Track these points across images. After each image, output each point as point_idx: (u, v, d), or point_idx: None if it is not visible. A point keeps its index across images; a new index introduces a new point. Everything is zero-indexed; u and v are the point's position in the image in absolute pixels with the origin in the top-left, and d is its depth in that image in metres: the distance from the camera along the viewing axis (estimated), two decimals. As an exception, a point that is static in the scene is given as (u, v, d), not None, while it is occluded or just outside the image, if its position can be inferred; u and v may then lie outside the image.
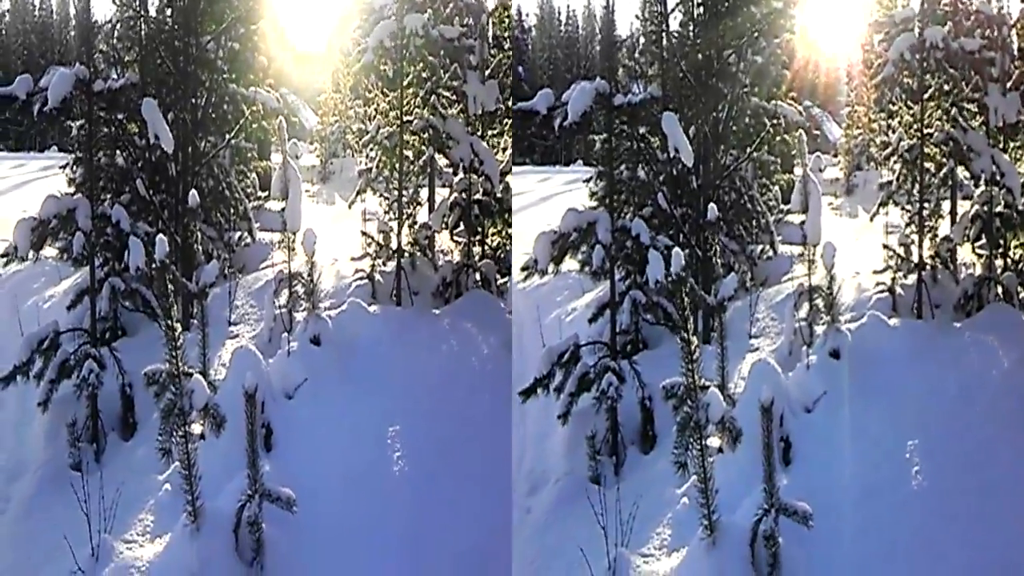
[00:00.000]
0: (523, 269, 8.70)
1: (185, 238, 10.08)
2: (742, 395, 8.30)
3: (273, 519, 7.07)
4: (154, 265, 7.45)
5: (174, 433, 7.03)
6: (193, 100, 10.48)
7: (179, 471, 6.98)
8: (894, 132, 11.20)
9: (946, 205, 11.54)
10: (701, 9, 10.25)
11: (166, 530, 7.21)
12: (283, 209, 9.79)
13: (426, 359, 8.97)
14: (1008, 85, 10.30)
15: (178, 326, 6.81)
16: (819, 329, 9.32)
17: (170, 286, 6.85)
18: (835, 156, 18.39)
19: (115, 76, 9.72)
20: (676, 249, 6.74)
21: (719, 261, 9.96)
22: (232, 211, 11.83)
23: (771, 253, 12.02)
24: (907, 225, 10.61)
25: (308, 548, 7.18)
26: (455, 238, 10.72)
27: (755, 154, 11.67)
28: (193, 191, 9.47)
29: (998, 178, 9.90)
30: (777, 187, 12.70)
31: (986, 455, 7.72)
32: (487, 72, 10.32)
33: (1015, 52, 10.63)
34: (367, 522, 7.39)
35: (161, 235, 7.16)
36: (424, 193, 12.08)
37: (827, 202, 16.45)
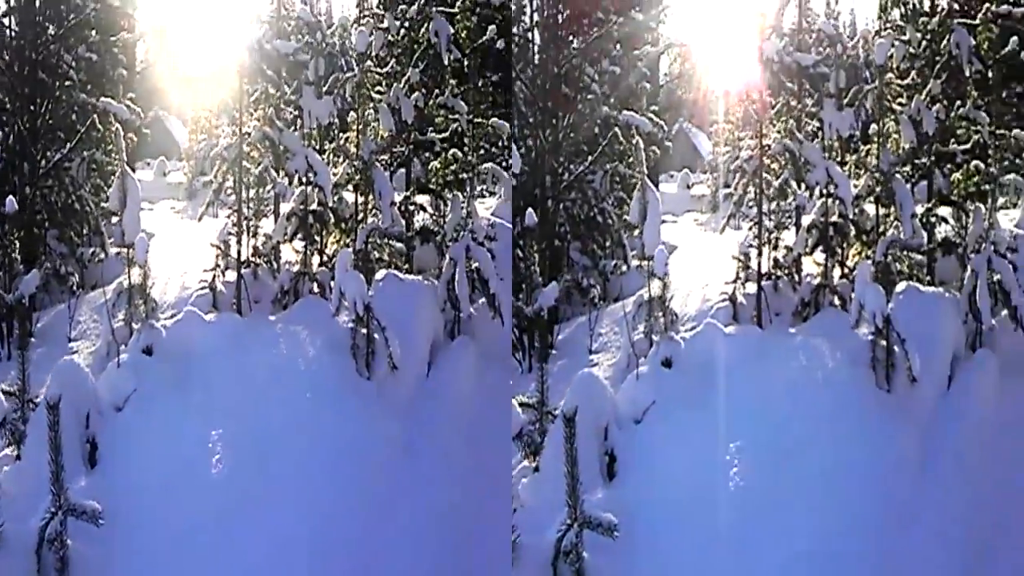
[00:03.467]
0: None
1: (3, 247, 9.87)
2: (560, 410, 8.30)
3: (83, 535, 6.92)
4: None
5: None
6: (31, 107, 10.31)
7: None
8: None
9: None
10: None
11: (-26, 559, 6.96)
12: (119, 221, 9.62)
13: (254, 363, 8.84)
14: (844, 101, 10.53)
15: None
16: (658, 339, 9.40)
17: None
18: (705, 173, 18.68)
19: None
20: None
21: (536, 271, 9.96)
22: (84, 226, 11.62)
23: (624, 268, 12.14)
24: (755, 237, 10.74)
25: (119, 561, 7.03)
26: (294, 249, 10.72)
27: (608, 165, 11.86)
28: (11, 198, 9.24)
29: (832, 189, 10.06)
30: (637, 201, 12.78)
31: (803, 448, 7.86)
32: (324, 88, 10.40)
33: (850, 70, 10.87)
34: (180, 527, 7.25)
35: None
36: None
37: (693, 218, 16.70)
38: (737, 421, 8.20)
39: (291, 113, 10.92)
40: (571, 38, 11.38)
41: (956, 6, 11.47)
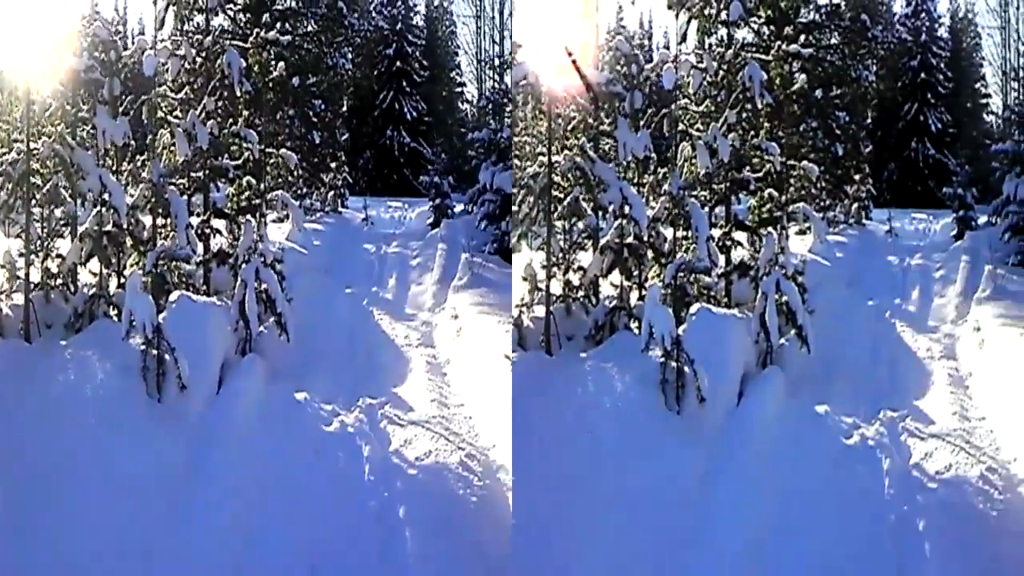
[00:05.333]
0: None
1: None
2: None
3: None
4: None
5: None
6: None
7: None
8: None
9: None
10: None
11: None
12: None
13: (40, 391, 8.53)
14: (642, 123, 10.67)
15: None
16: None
17: None
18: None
19: None
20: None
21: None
22: None
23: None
24: (548, 258, 10.63)
25: None
26: (91, 271, 10.47)
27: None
28: None
29: (627, 210, 10.13)
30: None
31: (587, 478, 7.84)
32: (120, 108, 10.25)
33: (662, 92, 10.99)
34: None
35: None
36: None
37: (493, 237, 16.53)
38: (516, 455, 8.03)
39: (87, 132, 10.60)
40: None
41: (756, 40, 11.90)
